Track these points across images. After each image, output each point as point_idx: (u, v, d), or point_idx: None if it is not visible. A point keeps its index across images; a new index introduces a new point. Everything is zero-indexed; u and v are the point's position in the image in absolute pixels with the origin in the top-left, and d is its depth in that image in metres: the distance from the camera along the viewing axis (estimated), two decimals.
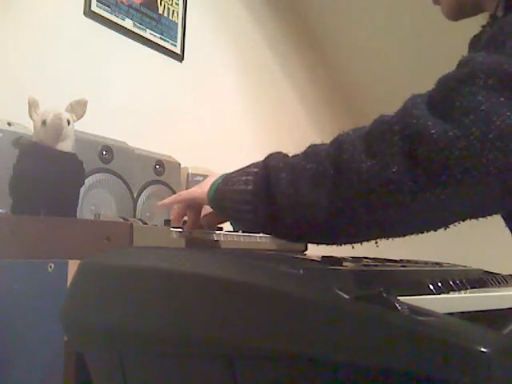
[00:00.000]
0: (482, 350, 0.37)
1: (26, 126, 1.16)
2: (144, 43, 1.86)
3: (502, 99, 0.51)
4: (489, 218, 0.62)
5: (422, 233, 0.60)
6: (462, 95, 0.52)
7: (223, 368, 0.49)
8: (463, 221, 0.59)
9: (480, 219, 0.61)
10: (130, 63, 1.82)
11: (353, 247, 0.65)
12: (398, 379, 0.39)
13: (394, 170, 0.53)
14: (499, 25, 0.60)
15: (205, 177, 1.61)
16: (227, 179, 0.68)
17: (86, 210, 1.24)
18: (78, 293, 0.64)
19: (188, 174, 1.62)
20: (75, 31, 1.64)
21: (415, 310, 0.42)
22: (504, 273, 0.93)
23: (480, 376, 0.36)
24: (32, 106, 1.03)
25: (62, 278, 0.75)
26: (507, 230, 0.75)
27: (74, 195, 1.07)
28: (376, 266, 0.70)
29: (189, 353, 0.52)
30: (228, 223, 0.85)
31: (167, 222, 0.92)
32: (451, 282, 0.60)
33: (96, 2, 1.68)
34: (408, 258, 0.99)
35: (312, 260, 0.63)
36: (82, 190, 1.13)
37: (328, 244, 0.64)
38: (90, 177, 1.26)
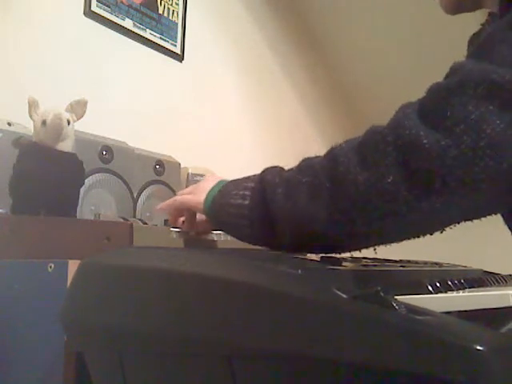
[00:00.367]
0: (479, 348, 0.37)
1: (26, 126, 1.16)
2: (144, 43, 1.86)
3: (492, 108, 0.52)
4: (489, 217, 0.63)
5: (418, 237, 0.61)
6: (453, 105, 0.53)
7: (222, 368, 0.49)
8: (459, 223, 0.60)
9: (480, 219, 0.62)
10: (130, 63, 1.82)
11: None
12: (396, 378, 0.39)
13: (389, 180, 0.54)
14: (489, 30, 0.60)
15: (205, 177, 1.61)
16: (224, 192, 0.68)
17: (86, 210, 1.24)
18: (78, 293, 0.64)
19: (188, 173, 1.62)
20: (75, 31, 1.64)
21: (412, 309, 0.42)
22: (504, 273, 0.93)
23: (477, 374, 0.36)
24: (32, 105, 1.04)
25: (61, 278, 0.76)
26: (507, 230, 0.75)
27: (74, 195, 1.08)
28: (375, 266, 0.70)
29: (188, 353, 0.53)
30: None
31: (167, 222, 0.93)
32: (449, 282, 0.60)
33: (96, 2, 1.69)
34: (408, 259, 0.99)
35: (311, 260, 0.63)
36: (82, 190, 1.14)
37: (326, 254, 0.65)
38: (90, 177, 1.27)
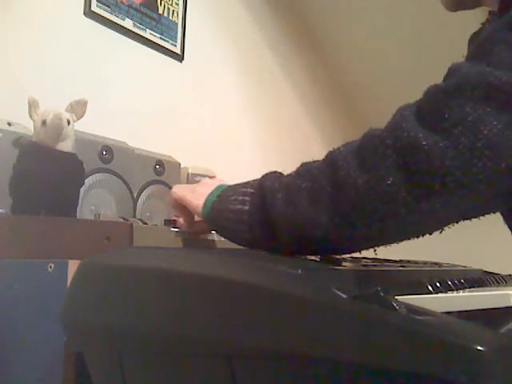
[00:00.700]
0: (480, 348, 0.37)
1: (26, 126, 1.16)
2: (144, 43, 1.87)
3: (489, 109, 0.52)
4: (488, 217, 0.63)
5: (418, 237, 0.61)
6: (450, 107, 0.54)
7: (222, 368, 0.49)
8: (458, 223, 0.61)
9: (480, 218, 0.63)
10: (130, 63, 1.82)
11: None
12: (396, 378, 0.39)
13: (388, 182, 0.54)
14: (489, 30, 0.61)
15: (205, 177, 1.61)
16: (222, 197, 0.68)
17: (86, 210, 1.24)
18: (78, 293, 0.64)
19: (188, 173, 1.62)
20: (75, 31, 1.64)
21: (412, 309, 0.42)
22: (504, 273, 0.93)
23: (477, 374, 0.36)
24: (32, 105, 1.03)
25: (61, 278, 0.75)
26: (507, 229, 0.75)
27: (74, 195, 1.07)
28: (375, 266, 0.70)
29: (188, 353, 0.53)
30: None
31: (167, 222, 0.93)
32: (449, 282, 0.60)
33: (96, 2, 1.69)
34: (408, 259, 0.99)
35: (311, 260, 0.63)
36: (82, 190, 1.14)
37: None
38: (90, 177, 1.27)
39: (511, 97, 0.52)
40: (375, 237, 0.59)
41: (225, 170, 1.73)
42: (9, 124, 1.19)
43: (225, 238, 0.70)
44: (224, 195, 0.69)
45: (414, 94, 0.60)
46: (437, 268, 0.87)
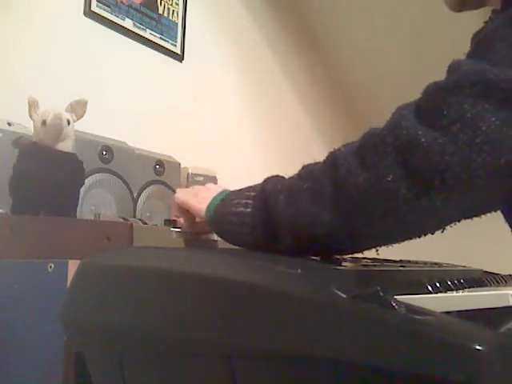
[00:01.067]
0: (479, 348, 0.37)
1: (26, 126, 1.16)
2: (144, 43, 1.86)
3: (487, 106, 0.53)
4: (489, 216, 0.63)
5: (419, 237, 0.61)
6: (449, 104, 0.54)
7: (222, 368, 0.49)
8: (459, 221, 0.61)
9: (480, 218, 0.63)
10: (130, 63, 1.82)
11: None
12: (395, 377, 0.39)
13: (389, 179, 0.54)
14: (490, 27, 0.61)
15: (205, 177, 1.61)
16: (226, 201, 0.69)
17: (86, 210, 1.24)
18: (78, 293, 0.64)
19: (188, 173, 1.62)
20: (75, 31, 1.64)
21: (412, 309, 0.42)
22: (504, 273, 0.93)
23: (476, 374, 0.37)
24: (32, 106, 1.03)
25: (62, 278, 0.75)
26: (508, 229, 0.75)
27: (74, 195, 1.08)
28: (375, 266, 0.70)
29: (188, 353, 0.53)
30: None
31: (167, 222, 0.93)
32: (449, 282, 0.60)
33: (96, 2, 1.68)
34: (408, 259, 0.99)
35: (311, 260, 0.63)
36: (82, 190, 1.14)
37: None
38: (90, 177, 1.27)
39: (509, 94, 0.53)
40: (377, 235, 0.59)
41: (225, 169, 1.73)
42: (9, 124, 1.19)
43: (227, 241, 0.70)
44: (228, 199, 0.69)
45: (414, 94, 0.60)
46: (437, 268, 0.87)
